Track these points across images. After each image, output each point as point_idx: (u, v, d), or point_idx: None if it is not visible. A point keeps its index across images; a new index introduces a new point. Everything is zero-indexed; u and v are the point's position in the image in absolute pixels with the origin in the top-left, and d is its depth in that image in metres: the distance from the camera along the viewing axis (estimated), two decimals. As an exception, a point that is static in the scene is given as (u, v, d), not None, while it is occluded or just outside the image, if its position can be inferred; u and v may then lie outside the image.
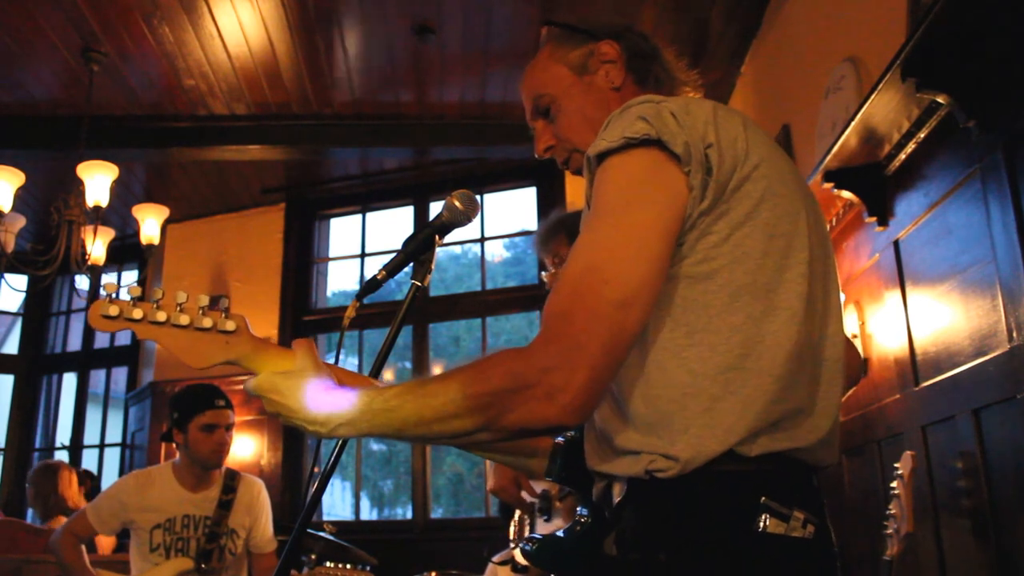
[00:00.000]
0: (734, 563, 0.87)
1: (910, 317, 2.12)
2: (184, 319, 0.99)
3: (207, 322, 0.99)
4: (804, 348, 0.93)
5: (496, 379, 0.86)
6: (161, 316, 0.98)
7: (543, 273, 2.21)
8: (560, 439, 1.20)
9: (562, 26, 1.21)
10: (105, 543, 3.99)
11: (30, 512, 5.82)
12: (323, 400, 0.94)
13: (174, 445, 2.73)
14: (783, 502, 0.88)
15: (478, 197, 1.22)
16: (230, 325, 1.00)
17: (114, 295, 0.99)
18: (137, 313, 0.98)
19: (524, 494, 1.95)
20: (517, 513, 2.30)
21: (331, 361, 1.06)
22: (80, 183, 3.60)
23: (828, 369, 0.98)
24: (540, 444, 1.26)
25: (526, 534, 2.25)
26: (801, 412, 0.93)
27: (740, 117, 0.98)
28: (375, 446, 9.60)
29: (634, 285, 0.86)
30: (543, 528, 2.09)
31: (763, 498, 0.87)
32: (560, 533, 1.07)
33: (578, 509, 1.07)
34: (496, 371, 0.87)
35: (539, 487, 1.95)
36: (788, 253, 0.94)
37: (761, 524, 0.87)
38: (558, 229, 2.08)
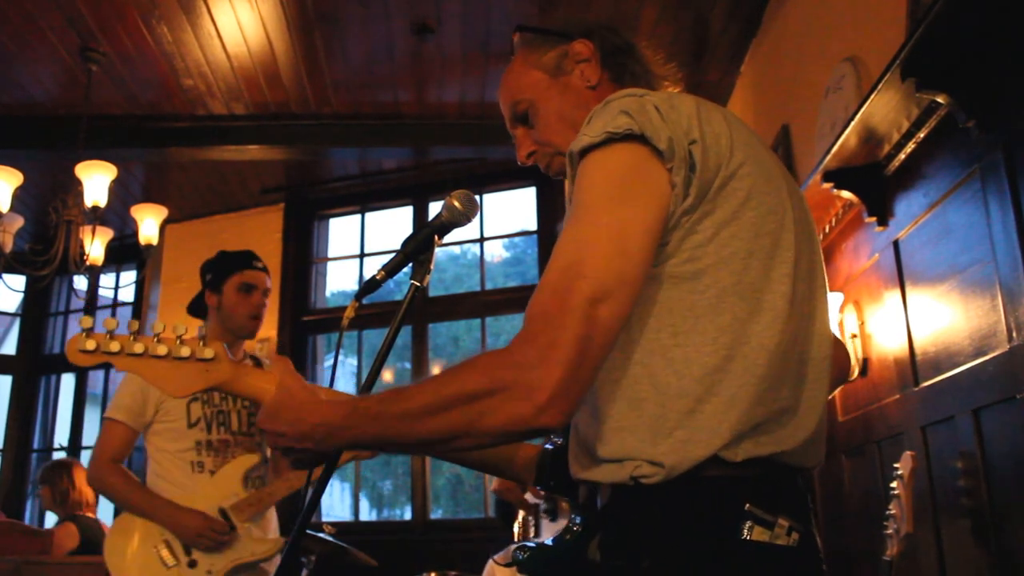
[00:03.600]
0: (718, 571, 0.86)
1: (910, 317, 2.12)
2: (162, 349, 0.99)
3: (185, 351, 1.00)
4: (789, 348, 0.92)
5: (472, 381, 0.85)
6: (139, 347, 0.99)
7: None
8: (548, 446, 1.19)
9: (533, 30, 1.21)
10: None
11: (28, 513, 5.82)
12: (309, 413, 0.94)
13: (200, 320, 2.46)
14: (768, 509, 0.87)
15: (477, 197, 1.22)
16: (208, 353, 1.00)
17: (91, 329, 0.99)
18: (114, 346, 0.99)
19: (529, 495, 1.95)
20: (521, 514, 2.30)
21: (330, 361, 1.06)
22: (78, 183, 3.60)
23: (814, 368, 0.97)
24: (518, 453, 1.25)
25: (531, 534, 2.25)
26: (786, 412, 0.92)
27: (722, 113, 0.97)
28: (374, 446, 9.56)
29: (611, 281, 0.84)
30: (549, 528, 2.09)
31: (747, 505, 0.87)
32: (550, 541, 1.06)
33: (571, 516, 1.06)
34: (473, 373, 0.86)
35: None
36: (774, 252, 0.93)
37: (745, 532, 0.86)
38: None
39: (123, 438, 2.37)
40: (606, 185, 0.90)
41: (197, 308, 2.49)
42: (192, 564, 2.27)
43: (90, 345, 0.99)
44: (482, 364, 0.87)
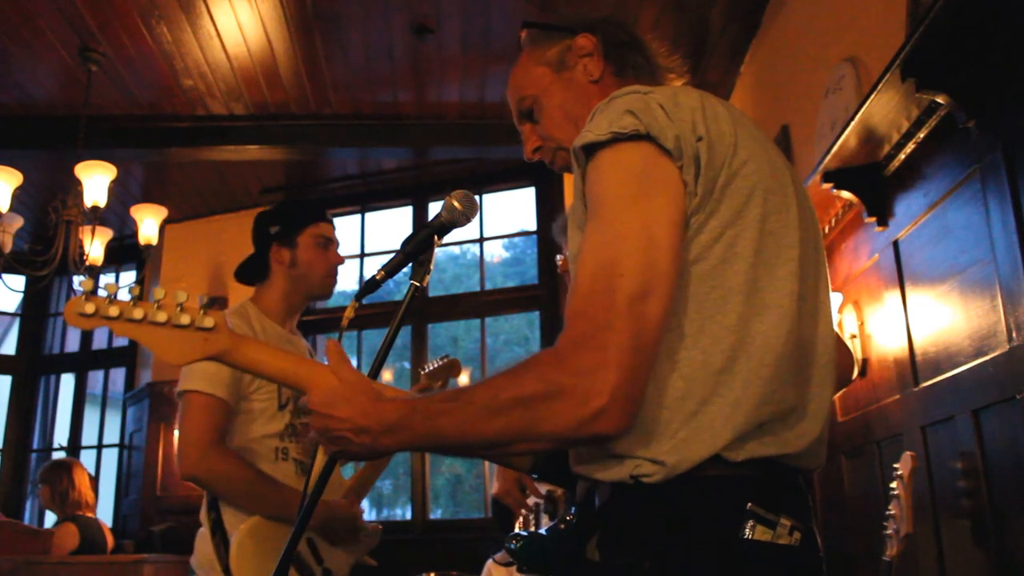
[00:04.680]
0: (719, 571, 0.85)
1: (910, 317, 2.12)
2: (162, 316, 0.97)
3: (185, 319, 0.98)
4: (794, 348, 0.91)
5: (529, 384, 0.85)
6: (138, 313, 0.97)
7: (558, 257, 2.18)
8: None
9: (538, 26, 1.21)
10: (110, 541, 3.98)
11: (28, 513, 5.82)
12: (369, 409, 0.93)
13: (258, 282, 2.04)
14: (769, 508, 0.86)
15: (477, 197, 1.22)
16: (208, 322, 0.99)
17: (90, 292, 0.97)
18: (114, 311, 0.97)
19: (530, 496, 1.95)
20: (522, 514, 2.30)
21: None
22: (78, 183, 3.59)
23: (818, 369, 0.96)
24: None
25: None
26: (791, 413, 0.91)
27: (726, 108, 0.96)
28: (374, 446, 9.56)
29: (649, 276, 0.84)
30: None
31: (749, 504, 0.86)
32: (543, 531, 1.06)
33: (566, 507, 1.06)
34: (528, 376, 0.85)
35: (544, 487, 1.95)
36: (779, 251, 0.93)
37: (747, 531, 0.85)
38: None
39: (222, 415, 1.81)
40: (623, 184, 0.89)
41: (254, 271, 2.05)
42: (327, 573, 1.90)
43: (89, 309, 0.97)
44: (537, 367, 0.86)
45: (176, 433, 2.00)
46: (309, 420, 0.98)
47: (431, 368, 2.30)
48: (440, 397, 0.92)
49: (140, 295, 0.99)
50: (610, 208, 0.89)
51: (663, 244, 0.85)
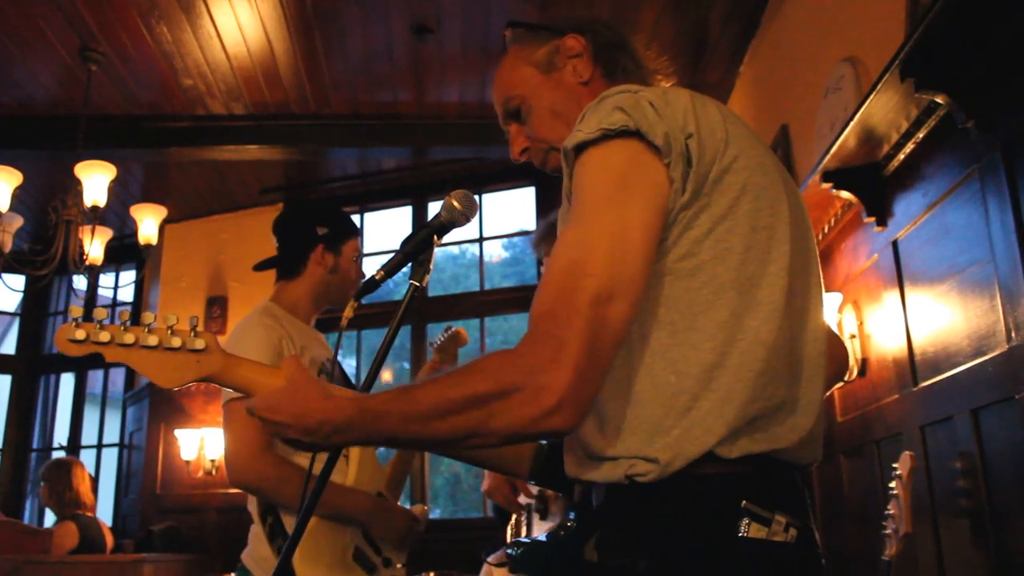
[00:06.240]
0: (715, 569, 0.85)
1: (909, 317, 2.12)
2: (152, 340, 0.98)
3: (176, 341, 0.99)
4: (783, 343, 0.92)
5: (482, 382, 0.85)
6: (129, 338, 0.98)
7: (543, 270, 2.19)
8: (543, 441, 1.19)
9: (525, 26, 1.20)
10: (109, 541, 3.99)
11: (28, 512, 5.82)
12: (314, 409, 0.92)
13: (287, 277, 2.07)
14: (764, 505, 0.86)
15: (476, 197, 1.21)
16: (199, 343, 0.99)
17: (80, 319, 0.98)
18: (104, 336, 0.98)
19: (521, 496, 1.96)
20: (514, 514, 2.30)
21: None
22: (78, 183, 3.60)
23: (808, 365, 0.96)
24: (528, 453, 1.25)
25: (523, 534, 2.25)
26: (781, 408, 0.91)
27: (716, 106, 0.96)
28: (373, 446, 9.57)
29: (617, 279, 0.84)
30: (540, 527, 2.09)
31: (744, 502, 0.86)
32: (543, 537, 1.06)
33: (566, 512, 1.06)
34: (482, 374, 0.85)
35: (536, 488, 1.96)
36: (770, 247, 0.93)
37: (742, 529, 0.85)
38: (555, 228, 2.07)
39: None
40: (605, 183, 0.89)
41: (285, 265, 2.08)
42: (387, 563, 1.90)
43: (79, 335, 0.98)
44: (491, 366, 0.86)
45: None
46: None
47: (439, 342, 2.31)
48: (388, 396, 0.91)
49: (130, 320, 0.99)
50: (589, 207, 0.89)
51: (636, 248, 0.85)
